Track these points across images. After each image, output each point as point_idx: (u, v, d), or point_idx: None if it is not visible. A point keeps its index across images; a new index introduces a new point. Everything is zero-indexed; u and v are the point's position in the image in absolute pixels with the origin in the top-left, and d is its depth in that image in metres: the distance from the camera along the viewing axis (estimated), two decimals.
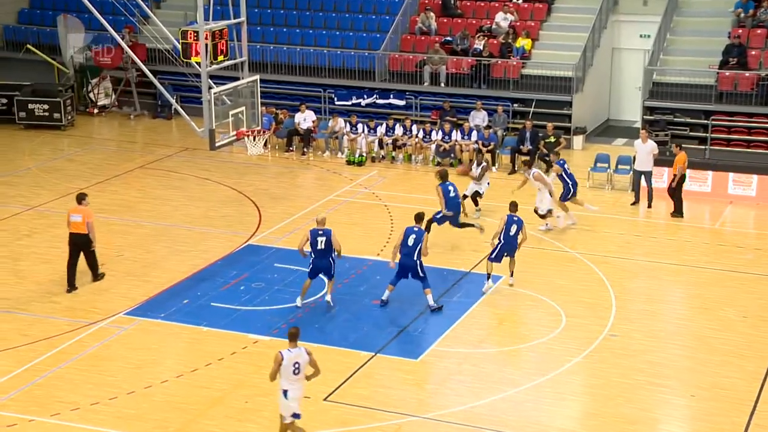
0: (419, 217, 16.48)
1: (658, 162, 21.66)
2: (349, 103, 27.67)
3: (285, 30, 29.52)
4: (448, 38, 28.11)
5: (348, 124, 25.68)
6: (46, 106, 27.61)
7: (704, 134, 25.01)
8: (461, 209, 19.45)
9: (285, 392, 11.92)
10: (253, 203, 21.84)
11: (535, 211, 19.73)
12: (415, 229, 16.20)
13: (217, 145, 20.73)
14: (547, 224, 19.77)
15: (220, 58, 20.54)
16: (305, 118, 25.82)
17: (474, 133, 24.84)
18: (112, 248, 18.88)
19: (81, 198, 17.28)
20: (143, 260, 18.48)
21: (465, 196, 20.31)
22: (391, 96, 27.41)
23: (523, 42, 27.39)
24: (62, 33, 29.37)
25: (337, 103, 27.78)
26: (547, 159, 23.98)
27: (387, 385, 14.03)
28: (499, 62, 26.95)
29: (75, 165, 24.71)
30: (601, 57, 27.79)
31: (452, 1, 28.84)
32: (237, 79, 21.75)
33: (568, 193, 20.11)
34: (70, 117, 28.00)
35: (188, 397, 13.59)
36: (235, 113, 20.99)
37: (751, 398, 13.66)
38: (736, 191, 21.92)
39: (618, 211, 21.32)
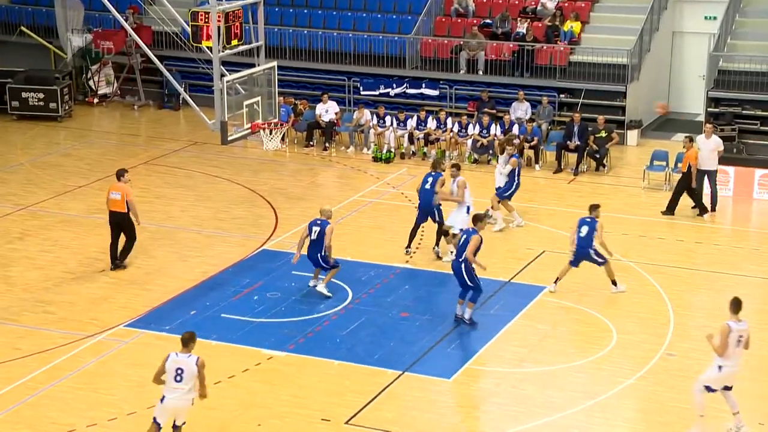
0: (476, 218, 16.44)
1: (723, 160, 21.63)
2: (377, 93, 27.74)
3: (306, 11, 29.67)
4: (488, 21, 28.11)
5: (375, 117, 25.75)
6: (41, 95, 27.91)
7: None
8: (432, 205, 18.52)
9: (162, 398, 12.18)
10: (268, 204, 21.96)
11: (445, 234, 18.52)
12: (470, 229, 16.31)
13: (229, 139, 20.82)
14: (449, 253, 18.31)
15: (234, 42, 20.63)
16: (327, 110, 25.92)
17: (515, 127, 24.81)
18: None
19: (120, 174, 18.12)
20: (146, 267, 18.63)
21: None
22: (423, 85, 27.45)
23: (571, 25, 27.34)
24: (60, 14, 29.66)
25: (362, 93, 27.86)
26: (597, 157, 23.96)
27: (415, 407, 14.05)
28: (545, 48, 26.91)
29: (72, 160, 24.97)
30: (659, 42, 27.66)
31: None
32: (252, 65, 21.83)
33: (515, 191, 20.08)
34: (67, 107, 28.27)
35: (195, 418, 13.64)
36: (250, 104, 21.06)
37: None
38: None
39: (677, 215, 21.21)
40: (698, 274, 18.49)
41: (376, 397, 14.19)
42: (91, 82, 29.73)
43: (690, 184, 21.00)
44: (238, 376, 14.78)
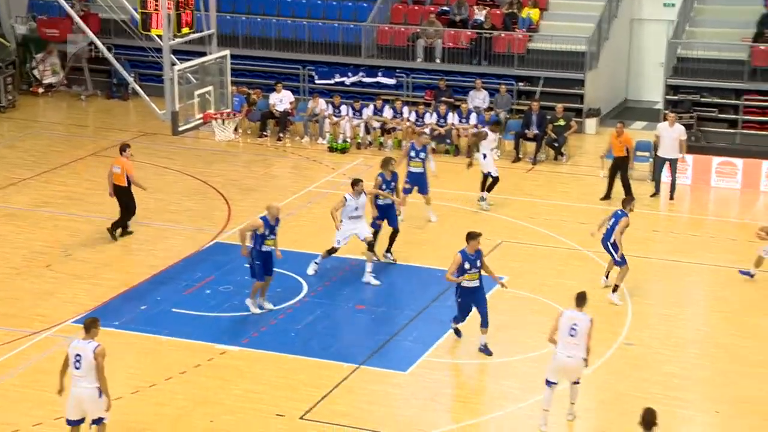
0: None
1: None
2: (332, 81, 27.77)
3: None
4: (445, 8, 28.24)
5: (330, 106, 25.79)
6: None
7: (735, 116, 25.21)
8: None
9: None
10: (221, 195, 21.94)
11: (368, 242, 17.79)
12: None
13: (180, 129, 20.78)
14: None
15: (185, 30, 20.57)
16: (281, 99, 25.93)
17: (473, 116, 24.99)
18: (58, 247, 18.97)
19: (123, 148, 19.06)
20: (94, 260, 18.56)
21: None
22: (380, 74, 27.53)
23: (529, 12, 27.53)
24: (2, 1, 29.36)
25: (317, 81, 27.88)
26: (556, 146, 24.19)
27: (371, 401, 14.16)
28: (503, 35, 27.08)
29: (16, 152, 24.76)
30: (618, 29, 27.94)
31: None
32: (204, 54, 21.80)
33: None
34: (10, 97, 28.02)
35: (145, 416, 13.70)
36: (202, 93, 21.03)
37: None
38: None
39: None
40: (655, 263, 18.76)
41: (331, 391, 14.27)
42: (35, 72, 29.48)
43: (627, 167, 21.25)
44: (190, 371, 14.79)
